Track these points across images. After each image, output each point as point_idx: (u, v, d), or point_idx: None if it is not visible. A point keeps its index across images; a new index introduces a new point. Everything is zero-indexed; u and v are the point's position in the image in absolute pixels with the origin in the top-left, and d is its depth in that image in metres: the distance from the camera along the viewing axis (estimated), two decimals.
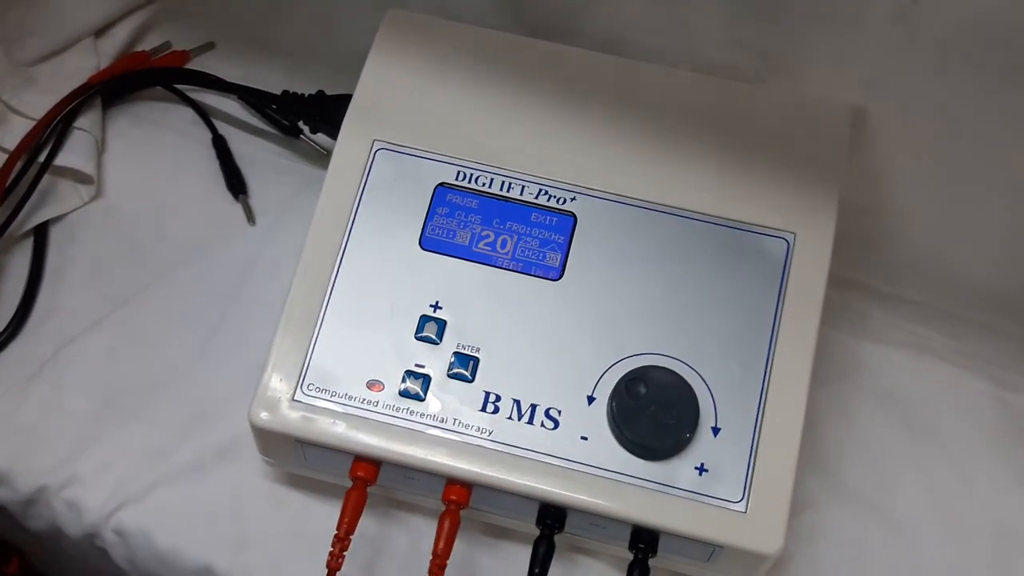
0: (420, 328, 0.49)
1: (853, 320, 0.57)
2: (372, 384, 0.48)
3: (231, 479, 0.53)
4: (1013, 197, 0.54)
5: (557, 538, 0.48)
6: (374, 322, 0.49)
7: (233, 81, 0.62)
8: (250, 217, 0.60)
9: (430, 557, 0.47)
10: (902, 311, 0.58)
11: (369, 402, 0.48)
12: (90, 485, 0.53)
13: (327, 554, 0.47)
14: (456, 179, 0.51)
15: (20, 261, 0.59)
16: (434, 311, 0.49)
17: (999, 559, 0.53)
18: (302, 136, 0.62)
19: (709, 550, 0.47)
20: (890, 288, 0.59)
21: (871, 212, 0.56)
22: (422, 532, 0.52)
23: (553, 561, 0.48)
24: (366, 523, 0.49)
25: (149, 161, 0.62)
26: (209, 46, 0.65)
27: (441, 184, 0.51)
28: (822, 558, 0.52)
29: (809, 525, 0.53)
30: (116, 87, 0.63)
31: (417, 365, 0.49)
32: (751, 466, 0.47)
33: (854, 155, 0.53)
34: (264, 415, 0.48)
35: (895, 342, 0.58)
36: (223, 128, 0.63)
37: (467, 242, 0.50)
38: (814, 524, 0.53)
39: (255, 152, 0.62)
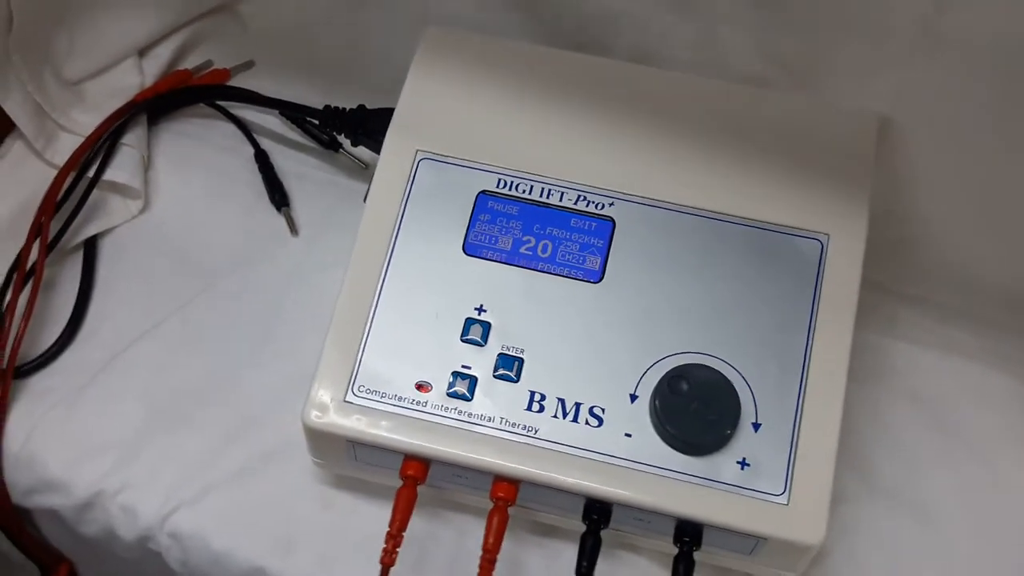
0: (466, 331, 0.51)
1: (881, 322, 0.59)
2: (421, 385, 0.50)
3: (281, 482, 0.55)
4: None
5: (604, 533, 0.49)
6: (421, 325, 0.51)
7: (274, 96, 0.64)
8: (293, 228, 0.62)
9: (477, 554, 0.48)
10: (929, 313, 0.60)
11: (418, 403, 0.50)
12: (144, 489, 0.55)
13: (377, 553, 0.48)
14: (497, 187, 0.53)
15: (71, 274, 0.60)
16: (479, 314, 0.51)
17: None
18: (341, 150, 0.63)
19: (752, 543, 0.48)
20: (917, 290, 0.60)
21: (897, 217, 0.58)
22: (469, 530, 0.53)
23: (602, 558, 0.49)
24: (414, 522, 0.50)
25: (194, 176, 0.64)
26: (249, 64, 0.67)
27: (483, 192, 0.53)
28: (859, 551, 0.54)
29: (845, 519, 0.54)
30: (160, 104, 0.65)
31: (464, 366, 0.50)
32: (792, 460, 0.48)
33: (881, 161, 0.55)
34: (316, 416, 0.50)
35: (923, 343, 0.59)
36: (264, 143, 0.65)
37: (509, 247, 0.52)
38: (850, 518, 0.54)
39: (296, 166, 0.64)
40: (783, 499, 0.48)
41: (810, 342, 0.50)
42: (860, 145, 0.54)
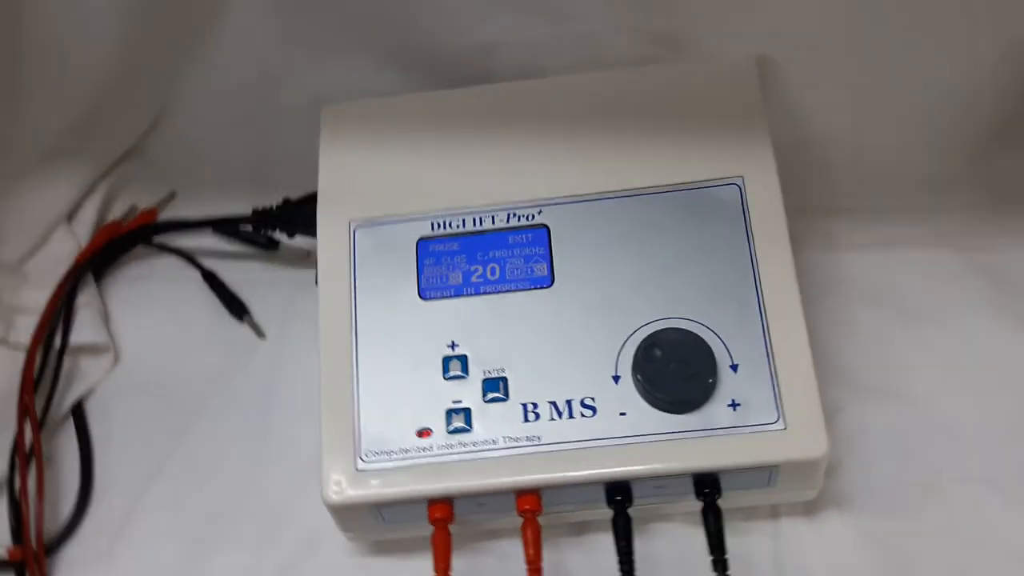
0: (446, 369, 0.53)
1: (819, 240, 0.62)
2: (422, 432, 0.52)
3: (324, 566, 0.57)
4: (919, 91, 0.59)
5: (631, 512, 0.52)
6: (404, 378, 0.53)
7: (203, 218, 0.66)
8: (259, 332, 0.65)
9: (523, 572, 0.50)
10: (860, 217, 0.63)
11: (424, 449, 0.52)
12: None
13: None
14: (433, 230, 0.56)
15: (68, 442, 0.62)
16: (453, 349, 0.53)
17: (1021, 403, 0.57)
18: (280, 246, 0.66)
19: (766, 474, 0.51)
20: (843, 202, 0.64)
21: (801, 142, 0.61)
22: (509, 553, 0.55)
23: (636, 535, 0.51)
24: (456, 563, 0.52)
25: (152, 314, 0.66)
26: (171, 196, 0.70)
27: (421, 239, 0.56)
28: (866, 453, 0.56)
29: (844, 428, 0.57)
30: (101, 259, 0.67)
31: (455, 402, 0.53)
32: (776, 388, 0.51)
33: (769, 96, 0.58)
34: (336, 493, 0.52)
35: (862, 246, 0.62)
36: (209, 263, 0.67)
37: (460, 280, 0.55)
38: (848, 426, 0.57)
39: (244, 274, 0.66)
40: (780, 425, 0.50)
41: (757, 277, 0.53)
42: (746, 88, 0.57)
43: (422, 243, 0.56)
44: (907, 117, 0.60)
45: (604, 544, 0.53)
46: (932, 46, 0.58)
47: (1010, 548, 0.53)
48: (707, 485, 0.51)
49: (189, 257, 0.67)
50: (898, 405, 0.58)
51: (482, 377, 0.53)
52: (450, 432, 0.52)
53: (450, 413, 0.52)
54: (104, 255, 0.67)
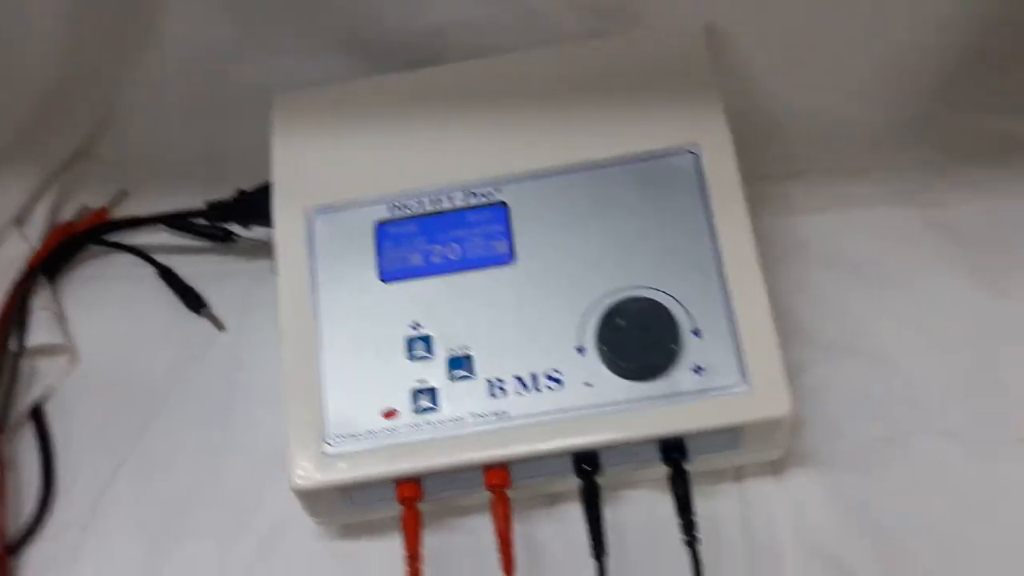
0: (410, 349, 0.53)
1: (776, 204, 0.63)
2: (388, 413, 0.52)
3: (295, 554, 0.57)
4: (866, 51, 0.60)
5: (600, 480, 0.52)
6: (368, 360, 0.53)
7: (156, 214, 0.66)
8: (218, 325, 0.64)
9: (495, 547, 0.50)
10: (814, 179, 0.64)
11: (391, 429, 0.52)
12: None
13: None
14: (390, 213, 0.56)
15: (28, 445, 0.61)
16: (416, 330, 0.53)
17: (980, 357, 0.58)
18: (235, 238, 0.66)
19: (732, 436, 0.51)
20: (796, 165, 0.64)
21: (753, 109, 0.62)
22: (480, 529, 0.54)
23: (604, 503, 0.52)
24: (427, 541, 0.52)
25: (109, 313, 0.65)
26: (123, 195, 0.69)
27: (378, 222, 0.55)
28: (831, 412, 0.57)
29: (807, 387, 0.57)
30: (54, 261, 0.66)
31: (420, 381, 0.52)
32: (739, 350, 0.51)
33: (720, 63, 0.58)
34: (303, 479, 0.51)
35: (818, 208, 0.63)
36: (164, 259, 0.66)
37: (421, 262, 0.55)
38: (811, 386, 0.57)
39: (200, 269, 0.66)
40: (744, 387, 0.51)
41: (716, 242, 0.53)
42: (695, 56, 0.57)
43: (380, 226, 0.55)
44: (856, 78, 0.61)
45: (575, 515, 0.53)
46: (877, 7, 0.58)
47: (973, 498, 0.54)
48: (674, 450, 0.51)
49: (143, 254, 0.67)
50: (860, 363, 0.58)
51: (447, 356, 0.53)
52: (416, 412, 0.52)
53: (416, 393, 0.52)
54: (57, 256, 0.66)
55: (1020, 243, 0.61)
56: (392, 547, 0.53)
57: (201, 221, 0.65)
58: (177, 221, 0.66)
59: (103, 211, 0.68)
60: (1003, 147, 0.64)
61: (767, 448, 0.53)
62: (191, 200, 0.65)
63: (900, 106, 0.63)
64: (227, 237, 0.66)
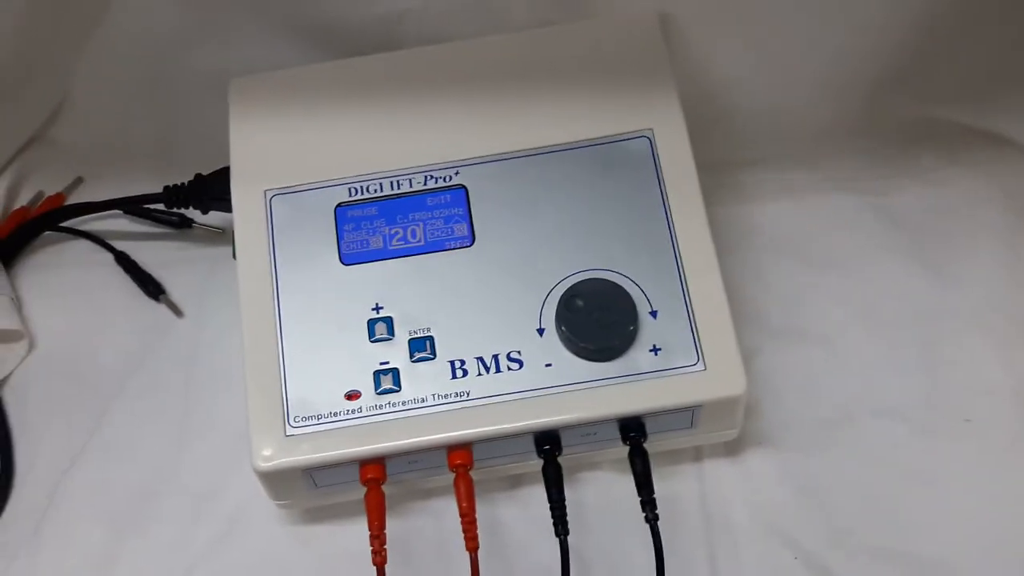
0: (372, 332, 0.54)
1: (729, 192, 0.64)
2: (350, 395, 0.53)
3: (257, 538, 0.57)
4: (813, 43, 0.62)
5: (560, 460, 0.53)
6: (329, 343, 0.53)
7: (113, 199, 0.66)
8: (176, 311, 0.64)
9: (459, 528, 0.51)
10: (764, 167, 0.66)
11: (353, 411, 0.52)
12: None
13: (370, 565, 0.51)
14: (350, 196, 0.56)
15: None
16: (378, 312, 0.54)
17: (924, 339, 0.60)
18: (195, 224, 0.66)
19: (689, 415, 0.52)
20: (746, 154, 0.66)
21: (706, 95, 0.63)
22: (444, 510, 0.56)
23: (566, 485, 0.52)
24: (392, 524, 0.52)
25: (66, 299, 0.65)
26: (79, 181, 0.69)
27: (339, 205, 0.56)
28: (781, 393, 0.59)
29: (761, 371, 0.59)
30: (9, 247, 0.66)
31: (382, 363, 0.53)
32: (695, 331, 0.52)
33: (674, 51, 0.60)
34: (266, 460, 0.52)
35: (768, 197, 0.65)
36: (121, 245, 0.66)
37: (381, 244, 0.55)
38: (764, 368, 0.59)
39: (158, 255, 0.66)
40: (700, 367, 0.52)
41: (671, 225, 0.54)
42: (649, 43, 0.59)
43: (340, 209, 0.56)
44: (803, 68, 0.63)
45: (537, 496, 0.54)
46: (824, 4, 0.60)
47: (917, 471, 0.56)
48: (633, 429, 0.52)
49: (100, 240, 0.66)
50: (810, 346, 0.60)
51: (408, 337, 0.53)
52: (379, 393, 0.52)
53: (378, 375, 0.53)
54: (12, 243, 0.66)
55: (959, 228, 0.63)
56: (355, 531, 0.54)
57: (158, 207, 0.65)
58: (134, 206, 0.65)
59: (60, 196, 0.68)
60: (940, 136, 0.66)
61: (723, 428, 0.55)
62: (148, 187, 0.65)
63: (845, 98, 0.65)
64: (184, 223, 0.66)
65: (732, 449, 0.57)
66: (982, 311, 0.60)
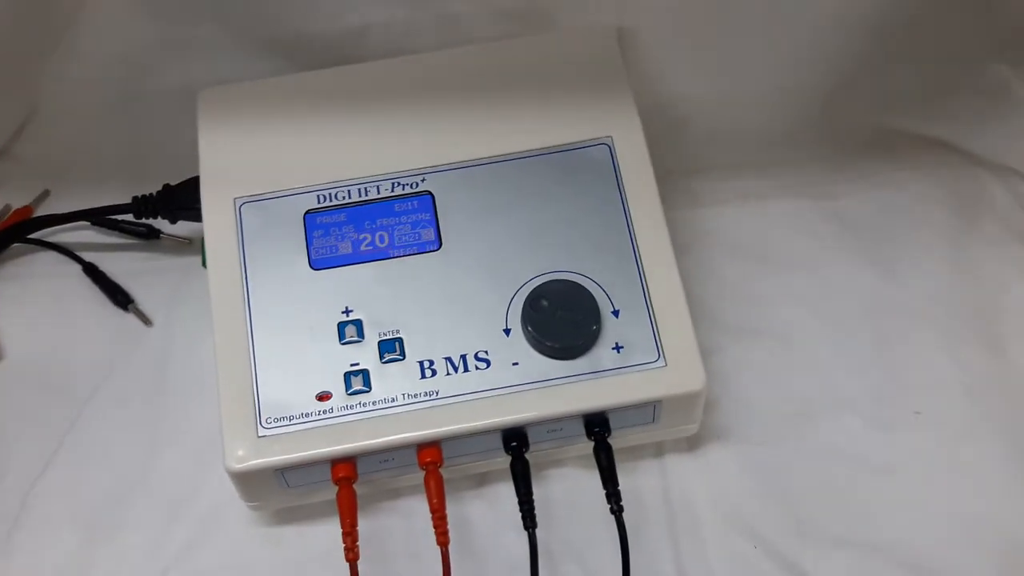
0: (342, 334, 0.55)
1: (683, 197, 0.66)
2: (321, 396, 0.54)
3: (229, 540, 0.58)
4: (765, 55, 0.64)
5: (528, 457, 0.54)
6: (300, 346, 0.55)
7: (80, 210, 0.66)
8: (145, 320, 0.65)
9: (430, 526, 0.52)
10: (718, 174, 0.68)
11: (325, 411, 0.53)
12: None
13: (343, 563, 0.52)
14: (318, 203, 0.57)
15: None
16: (347, 315, 0.55)
17: (875, 335, 0.62)
18: (163, 234, 0.66)
19: (651, 410, 0.54)
20: (700, 161, 0.68)
21: (662, 104, 0.65)
22: (414, 510, 0.57)
23: (533, 482, 0.54)
24: (363, 523, 0.53)
25: (34, 311, 0.65)
26: (45, 194, 0.69)
27: (307, 211, 0.57)
28: (742, 390, 0.61)
29: (719, 368, 0.61)
30: None
31: (352, 364, 0.54)
32: (655, 329, 0.54)
33: (631, 63, 0.62)
34: (239, 461, 0.53)
35: (722, 201, 0.67)
36: (89, 256, 0.67)
37: (350, 249, 0.56)
38: (723, 366, 0.61)
39: (126, 266, 0.67)
40: (660, 363, 0.54)
41: (631, 228, 0.56)
42: (607, 54, 0.61)
43: (309, 216, 0.57)
44: (755, 79, 0.65)
45: (504, 493, 0.56)
46: (773, 18, 0.62)
47: (871, 463, 0.58)
48: (597, 425, 0.54)
49: (68, 251, 0.67)
50: (766, 343, 0.62)
51: (378, 339, 0.55)
52: (350, 394, 0.54)
53: (348, 376, 0.54)
54: None
55: (905, 229, 0.66)
56: (326, 532, 0.55)
57: (127, 218, 0.65)
58: (101, 216, 0.66)
59: (27, 209, 0.69)
60: (886, 142, 0.69)
61: (684, 422, 0.56)
62: (116, 200, 0.66)
63: (794, 107, 0.67)
64: (152, 234, 0.67)
65: (693, 444, 0.59)
66: (930, 307, 0.63)
